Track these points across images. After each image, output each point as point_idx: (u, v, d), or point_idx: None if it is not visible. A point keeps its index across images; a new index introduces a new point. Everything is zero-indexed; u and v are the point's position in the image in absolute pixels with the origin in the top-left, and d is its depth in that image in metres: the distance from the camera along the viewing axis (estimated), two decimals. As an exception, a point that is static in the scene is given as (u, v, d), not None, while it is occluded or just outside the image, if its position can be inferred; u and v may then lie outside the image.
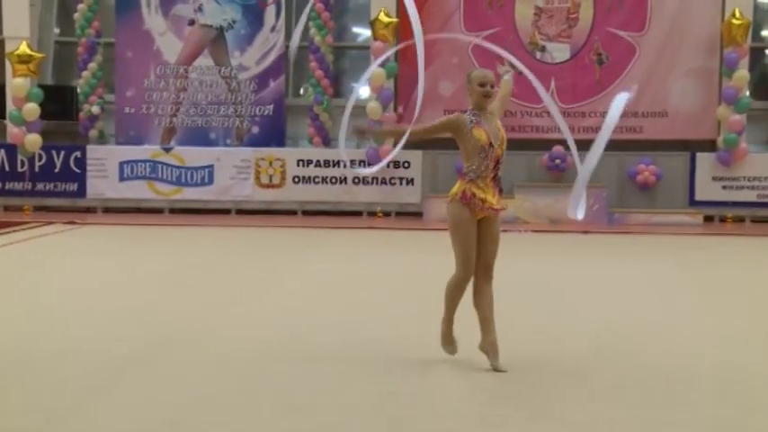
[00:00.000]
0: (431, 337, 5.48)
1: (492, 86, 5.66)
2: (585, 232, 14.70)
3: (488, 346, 5.21)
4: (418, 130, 5.85)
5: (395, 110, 17.06)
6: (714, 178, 16.69)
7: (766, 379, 4.81)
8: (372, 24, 16.61)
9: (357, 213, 16.98)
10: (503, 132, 5.64)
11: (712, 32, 16.88)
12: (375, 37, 16.51)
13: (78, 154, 17.36)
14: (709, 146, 16.95)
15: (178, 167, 17.32)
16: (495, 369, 5.12)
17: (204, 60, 17.82)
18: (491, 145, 5.43)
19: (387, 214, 17.14)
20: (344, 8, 18.98)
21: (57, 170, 17.37)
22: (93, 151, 17.49)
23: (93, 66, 17.85)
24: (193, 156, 17.34)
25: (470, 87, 5.64)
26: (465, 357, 5.26)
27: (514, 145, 17.21)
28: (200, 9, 17.76)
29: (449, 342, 5.41)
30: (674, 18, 17.04)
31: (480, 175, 5.36)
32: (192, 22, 17.80)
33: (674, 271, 9.87)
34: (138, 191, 17.35)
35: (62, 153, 17.37)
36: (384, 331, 6.12)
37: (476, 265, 5.31)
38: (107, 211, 17.49)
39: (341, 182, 17.07)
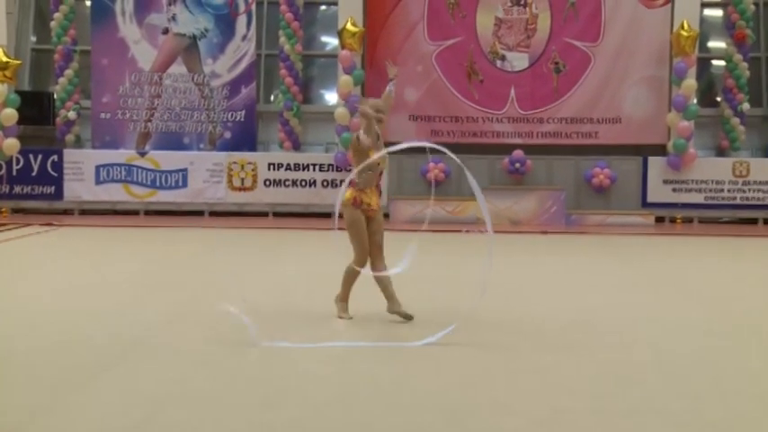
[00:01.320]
0: (394, 333, 5.51)
1: (384, 113, 7.00)
2: (544, 233, 14.83)
3: (396, 307, 6.55)
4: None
5: (362, 116, 17.06)
6: (665, 181, 16.90)
7: (709, 367, 4.88)
8: (340, 34, 16.62)
9: (326, 215, 16.95)
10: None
11: (662, 43, 17.10)
12: (342, 46, 16.52)
13: (55, 158, 17.21)
14: (660, 150, 17.16)
15: (153, 171, 17.22)
16: (404, 316, 6.50)
17: (178, 68, 17.74)
18: (378, 164, 6.77)
19: (354, 216, 17.13)
20: (313, 18, 18.98)
21: (34, 173, 17.19)
22: (69, 155, 17.34)
23: (69, 72, 17.68)
24: (168, 160, 17.25)
25: (365, 116, 6.80)
26: (444, 353, 5.28)
27: (476, 150, 17.42)
28: (173, 18, 17.67)
29: (345, 311, 6.68)
30: (626, 29, 17.24)
31: (368, 185, 6.70)
32: (165, 31, 17.71)
33: (626, 268, 9.99)
34: (114, 193, 17.24)
35: (39, 157, 17.21)
36: (355, 328, 6.14)
37: (370, 249, 6.65)
38: (84, 213, 17.34)
39: (310, 185, 17.07)
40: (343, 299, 6.76)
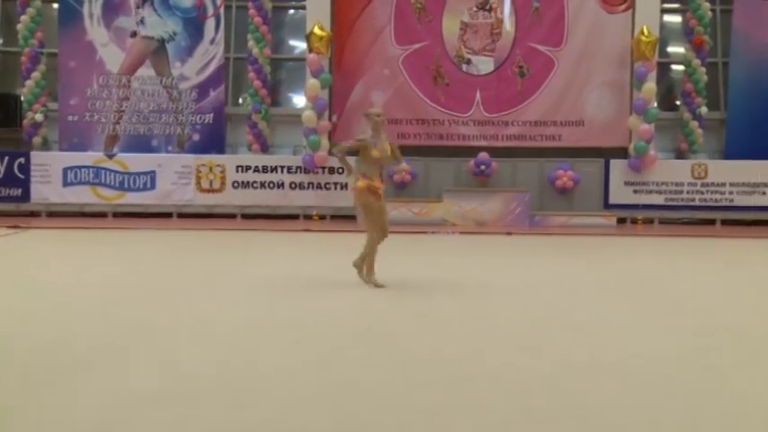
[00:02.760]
0: (371, 334, 5.55)
1: (383, 116, 8.24)
2: (509, 234, 14.94)
3: (372, 279, 8.08)
4: (343, 149, 8.36)
5: (329, 119, 17.09)
6: (626, 183, 17.11)
7: (669, 365, 4.97)
8: (308, 38, 16.62)
9: (294, 217, 16.97)
10: (390, 149, 8.19)
11: (623, 48, 17.32)
12: (310, 49, 16.52)
13: (22, 160, 17.01)
14: (622, 153, 17.37)
15: (121, 173, 17.09)
16: (376, 284, 8.00)
17: (146, 71, 17.63)
18: (380, 158, 8.07)
19: (322, 217, 17.16)
20: (281, 22, 18.96)
21: (1, 176, 17.00)
22: (37, 157, 17.15)
23: (36, 75, 17.51)
24: (136, 162, 17.14)
25: (370, 119, 8.13)
26: (409, 356, 5.33)
27: (442, 152, 17.53)
28: (141, 21, 17.57)
29: (374, 280, 8.08)
30: (588, 34, 17.44)
31: (372, 176, 8.03)
32: (134, 34, 17.60)
33: (589, 268, 10.10)
34: (82, 196, 17.09)
35: (6, 159, 17.01)
36: (325, 328, 6.16)
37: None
38: (51, 215, 17.18)
39: (278, 186, 17.04)
40: (369, 271, 8.16)
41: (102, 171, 17.08)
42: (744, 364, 5.12)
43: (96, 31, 17.58)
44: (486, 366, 4.99)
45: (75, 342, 5.57)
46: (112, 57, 17.60)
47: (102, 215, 16.99)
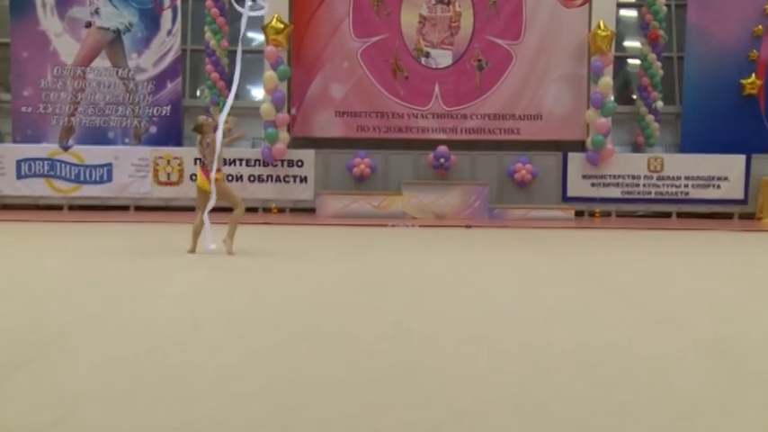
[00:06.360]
0: (318, 328, 5.46)
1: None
2: (468, 227, 14.92)
3: (229, 246, 9.67)
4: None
5: (288, 111, 16.93)
6: (584, 176, 17.19)
7: (624, 358, 4.95)
8: (265, 30, 16.45)
9: (253, 210, 16.78)
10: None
11: (581, 42, 17.39)
12: (268, 42, 16.35)
13: (-26, 152, 16.65)
14: (579, 146, 17.45)
15: (77, 165, 16.79)
16: (230, 252, 9.57)
17: (102, 62, 17.33)
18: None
19: (281, 210, 17.01)
20: (239, 13, 18.65)
21: (-48, 168, 16.62)
22: (-11, 149, 16.79)
23: (-12, 65, 17.12)
24: (92, 154, 16.85)
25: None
26: (357, 353, 5.23)
27: (401, 145, 17.46)
28: (96, 12, 17.25)
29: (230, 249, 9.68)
30: (546, 28, 17.48)
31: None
32: (88, 25, 17.29)
33: (547, 260, 10.10)
34: (36, 188, 16.77)
35: (-43, 151, 16.63)
36: (280, 321, 6.04)
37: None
38: (4, 207, 16.84)
39: (237, 179, 16.85)
40: (231, 237, 9.74)
41: (58, 163, 16.77)
42: (691, 354, 5.11)
43: (50, 21, 17.22)
44: (433, 358, 4.91)
45: (19, 336, 5.39)
46: (67, 47, 17.27)
47: (57, 208, 16.67)
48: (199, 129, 9.71)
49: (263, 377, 4.48)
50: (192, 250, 9.78)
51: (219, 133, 9.56)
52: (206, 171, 9.63)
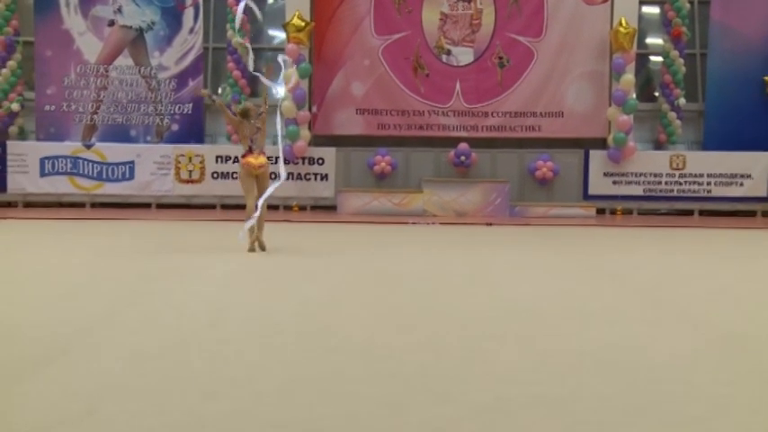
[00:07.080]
0: (337, 325, 5.46)
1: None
2: (489, 224, 14.89)
3: (261, 237, 9.94)
4: (223, 109, 10.80)
5: (309, 109, 16.96)
6: (605, 174, 17.10)
7: (644, 357, 4.92)
8: (286, 27, 16.48)
9: (274, 207, 16.81)
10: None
11: (602, 39, 17.29)
12: (289, 39, 16.38)
13: (-1, 150, 16.84)
14: (601, 144, 17.35)
15: (99, 163, 16.92)
16: (261, 245, 9.88)
17: (124, 60, 17.45)
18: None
19: (302, 208, 17.05)
20: (261, 11, 18.73)
21: (-24, 165, 16.82)
22: (13, 147, 16.96)
23: (12, 63, 17.29)
24: (114, 152, 16.97)
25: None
26: (370, 348, 5.24)
27: (422, 143, 17.44)
28: (119, 10, 17.37)
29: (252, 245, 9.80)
30: (568, 25, 17.39)
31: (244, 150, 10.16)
32: (111, 23, 17.41)
33: (567, 259, 10.05)
34: (60, 186, 16.92)
35: (-18, 149, 16.81)
36: (299, 318, 6.06)
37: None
38: (28, 205, 16.99)
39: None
40: (257, 231, 9.94)
41: (80, 161, 16.90)
42: (712, 353, 5.07)
43: (73, 20, 17.36)
44: (452, 356, 4.91)
45: (43, 333, 5.44)
46: (90, 46, 17.40)
47: (80, 205, 16.80)
48: (246, 113, 10.10)
49: (282, 375, 4.50)
50: (252, 248, 9.84)
51: (279, 119, 10.74)
52: (253, 155, 10.11)
